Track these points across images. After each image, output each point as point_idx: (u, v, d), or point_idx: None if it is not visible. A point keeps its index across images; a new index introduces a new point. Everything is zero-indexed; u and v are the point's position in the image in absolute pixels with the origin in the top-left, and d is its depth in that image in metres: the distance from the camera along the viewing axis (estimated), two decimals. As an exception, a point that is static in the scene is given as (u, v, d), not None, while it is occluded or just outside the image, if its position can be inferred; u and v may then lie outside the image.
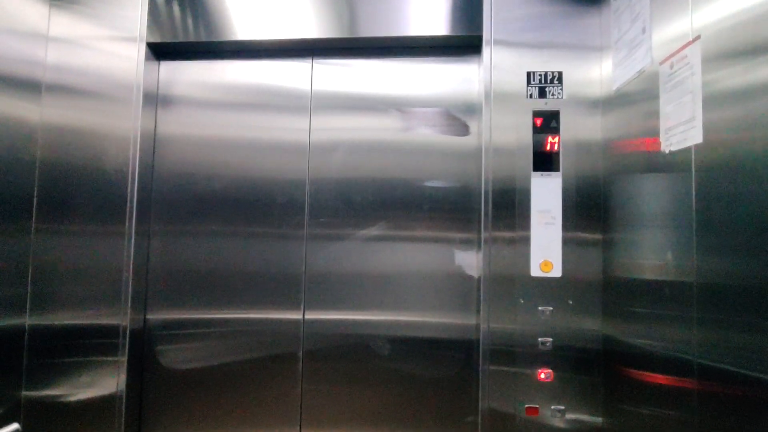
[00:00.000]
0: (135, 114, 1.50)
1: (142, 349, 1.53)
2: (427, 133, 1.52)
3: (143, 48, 1.52)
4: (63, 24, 1.53)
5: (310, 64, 1.58)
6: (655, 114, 1.06)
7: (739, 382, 0.78)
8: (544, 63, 1.41)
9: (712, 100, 0.88)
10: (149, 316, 1.55)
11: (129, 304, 1.45)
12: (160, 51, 1.58)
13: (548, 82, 1.40)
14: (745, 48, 0.79)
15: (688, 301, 0.93)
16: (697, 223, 0.91)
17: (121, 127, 1.49)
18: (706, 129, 0.89)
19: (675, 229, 0.98)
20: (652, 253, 1.07)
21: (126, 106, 1.50)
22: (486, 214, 1.39)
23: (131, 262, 1.46)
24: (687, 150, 0.94)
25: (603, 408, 1.32)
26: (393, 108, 1.54)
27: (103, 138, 1.49)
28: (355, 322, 1.50)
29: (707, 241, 0.88)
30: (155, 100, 1.59)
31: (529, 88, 1.40)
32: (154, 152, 1.58)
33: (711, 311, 0.86)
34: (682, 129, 0.96)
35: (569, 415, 1.33)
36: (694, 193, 0.92)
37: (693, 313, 0.91)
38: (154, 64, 1.58)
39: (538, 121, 1.39)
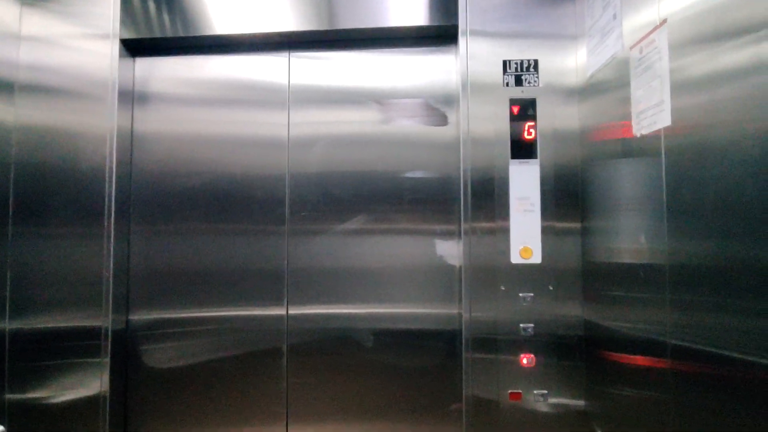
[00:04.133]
0: (111, 112, 1.48)
1: (125, 350, 1.52)
2: (406, 124, 1.52)
3: (117, 45, 1.50)
4: (35, 23, 1.51)
5: (287, 58, 1.57)
6: (629, 100, 1.07)
7: (708, 360, 0.80)
8: (520, 51, 1.41)
9: (679, 86, 0.89)
10: (132, 317, 1.53)
11: (110, 306, 1.43)
12: (134, 47, 1.56)
13: (524, 70, 1.41)
14: (711, 34, 0.80)
15: (662, 284, 0.94)
16: (667, 207, 0.92)
17: (98, 126, 1.47)
18: (674, 114, 0.90)
19: (648, 213, 0.99)
20: (628, 238, 1.09)
21: (101, 104, 1.48)
22: (465, 203, 1.39)
23: (111, 263, 1.44)
24: (657, 136, 0.95)
25: (585, 391, 1.34)
26: (371, 100, 1.53)
27: (79, 137, 1.47)
28: (338, 316, 1.50)
29: (677, 224, 0.89)
30: (131, 97, 1.57)
31: (505, 76, 1.41)
32: (131, 151, 1.57)
33: (682, 293, 0.88)
34: (651, 112, 0.97)
35: (552, 399, 1.35)
36: (664, 177, 0.93)
37: (666, 295, 0.93)
38: (128, 60, 1.56)
39: (515, 109, 1.39)
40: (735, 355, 0.74)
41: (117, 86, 1.48)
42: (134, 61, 1.59)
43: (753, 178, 0.70)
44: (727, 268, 0.76)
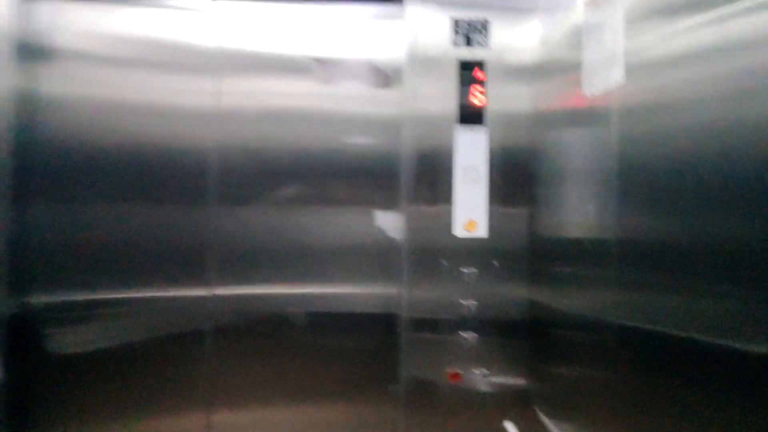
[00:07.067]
0: (6, 69, 1.27)
1: (23, 336, 1.35)
2: (346, 86, 1.40)
3: (8, -18, 1.29)
4: None
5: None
6: (581, 67, 1.01)
7: (652, 339, 0.77)
8: (470, 10, 1.31)
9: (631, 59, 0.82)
10: (31, 300, 1.36)
11: (2, 287, 1.27)
12: (31, -12, 1.35)
13: (474, 30, 1.31)
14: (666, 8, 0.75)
15: (609, 261, 0.89)
16: (618, 180, 0.87)
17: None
18: (628, 83, 0.83)
19: (597, 186, 0.94)
20: (576, 211, 1.05)
21: (-7, 58, 1.28)
22: (407, 173, 1.31)
23: (2, 240, 1.27)
24: (608, 106, 0.89)
25: (527, 370, 1.31)
26: (310, 59, 1.40)
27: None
28: (269, 297, 1.39)
29: (627, 199, 0.85)
30: (31, 51, 1.37)
31: (455, 36, 1.31)
32: (34, 115, 1.37)
33: (630, 270, 0.84)
34: (603, 67, 0.90)
35: (493, 379, 1.31)
36: (615, 147, 0.88)
37: (613, 273, 0.88)
38: (25, 4, 1.35)
39: (464, 72, 1.30)
40: (681, 334, 0.70)
41: (13, 38, 1.28)
42: (32, 5, 1.37)
43: (710, 151, 0.64)
44: (677, 246, 0.71)
